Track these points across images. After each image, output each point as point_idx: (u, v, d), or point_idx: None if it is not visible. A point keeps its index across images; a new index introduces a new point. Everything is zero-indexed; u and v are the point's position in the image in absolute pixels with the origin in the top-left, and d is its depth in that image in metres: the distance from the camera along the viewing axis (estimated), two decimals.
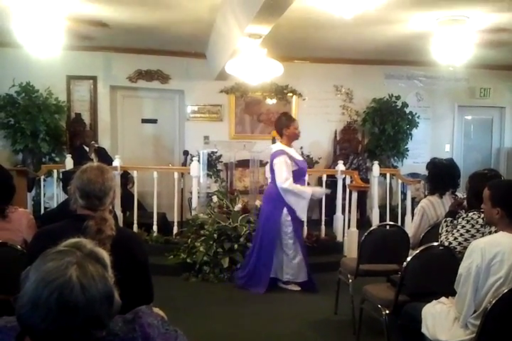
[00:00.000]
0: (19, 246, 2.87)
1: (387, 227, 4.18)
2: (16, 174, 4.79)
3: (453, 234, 3.07)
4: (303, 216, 4.93)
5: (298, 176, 4.89)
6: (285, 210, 4.88)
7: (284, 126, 4.97)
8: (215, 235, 5.34)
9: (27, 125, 6.85)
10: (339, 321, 4.15)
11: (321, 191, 5.25)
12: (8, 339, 1.20)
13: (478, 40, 5.74)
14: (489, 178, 2.98)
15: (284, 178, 4.76)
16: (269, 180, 5.11)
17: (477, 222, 3.00)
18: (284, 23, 4.88)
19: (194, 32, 6.34)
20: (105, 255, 1.21)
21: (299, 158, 5.09)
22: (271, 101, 8.23)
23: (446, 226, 3.24)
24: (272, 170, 4.91)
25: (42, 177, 6.32)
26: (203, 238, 5.40)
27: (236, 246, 5.28)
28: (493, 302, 2.23)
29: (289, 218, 4.89)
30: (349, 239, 5.89)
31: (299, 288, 5.03)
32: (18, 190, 3.52)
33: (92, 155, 6.82)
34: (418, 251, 3.03)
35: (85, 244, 1.20)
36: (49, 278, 1.09)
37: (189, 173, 6.12)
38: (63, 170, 6.01)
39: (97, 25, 5.90)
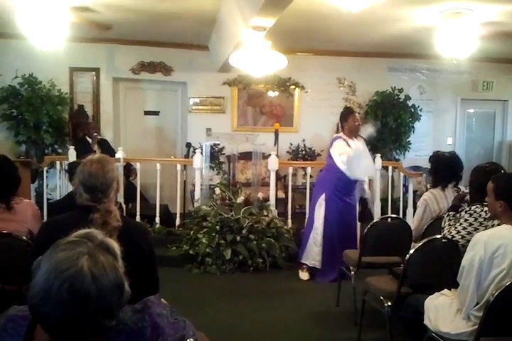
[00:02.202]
0: (24, 237, 2.89)
1: (390, 220, 4.19)
2: (19, 165, 4.79)
3: (456, 227, 3.08)
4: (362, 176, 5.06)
5: None
6: (323, 196, 5.05)
7: (342, 119, 5.10)
8: (218, 227, 5.36)
9: (30, 116, 6.84)
10: (341, 313, 4.17)
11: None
12: (20, 328, 1.21)
13: (482, 33, 5.72)
14: (491, 172, 2.99)
15: (339, 158, 4.89)
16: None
17: (480, 215, 3.01)
18: (288, 15, 4.86)
19: (197, 24, 6.32)
20: (115, 245, 1.23)
21: None
22: (273, 94, 8.22)
23: (449, 220, 3.24)
24: (329, 156, 5.07)
25: (45, 169, 6.33)
26: (205, 230, 5.42)
27: (238, 238, 5.31)
28: (496, 294, 2.25)
29: (324, 204, 5.03)
30: None
31: (307, 278, 5.13)
32: (22, 181, 3.52)
33: (95, 147, 6.82)
34: (421, 243, 3.04)
35: (96, 235, 1.22)
36: (60, 268, 1.10)
37: (192, 165, 6.14)
38: (69, 161, 6.03)
39: (100, 27, 5.91)
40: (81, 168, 2.15)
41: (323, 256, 5.09)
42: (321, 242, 5.09)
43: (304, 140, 8.16)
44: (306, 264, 5.18)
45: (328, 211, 5.06)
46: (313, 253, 5.14)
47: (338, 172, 4.97)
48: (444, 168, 3.79)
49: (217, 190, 5.91)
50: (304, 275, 5.20)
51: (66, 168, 6.03)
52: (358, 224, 5.67)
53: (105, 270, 1.13)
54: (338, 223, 5.06)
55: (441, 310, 2.59)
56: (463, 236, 3.01)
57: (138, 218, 5.96)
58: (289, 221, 6.09)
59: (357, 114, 5.20)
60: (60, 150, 7.35)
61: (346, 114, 5.14)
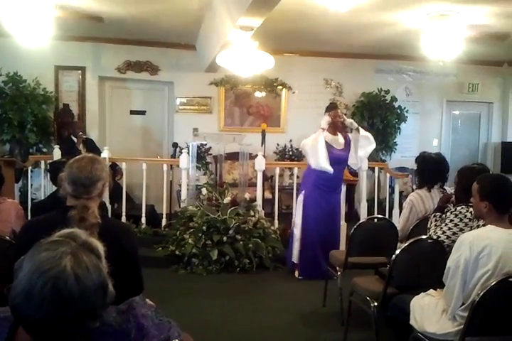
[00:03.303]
0: (7, 237, 2.85)
1: (376, 220, 4.21)
2: (3, 164, 4.75)
3: (441, 228, 3.10)
4: (324, 166, 4.94)
5: (330, 162, 4.96)
6: (303, 192, 5.15)
7: (324, 115, 5.13)
8: (204, 227, 5.34)
9: (14, 115, 6.77)
10: (328, 313, 4.17)
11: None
12: (2, 329, 1.19)
13: (467, 35, 5.76)
14: (478, 172, 3.01)
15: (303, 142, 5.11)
16: None
17: (465, 216, 3.03)
18: (276, 15, 4.86)
19: (184, 23, 6.30)
20: (99, 245, 1.21)
21: (337, 146, 5.09)
22: (260, 94, 8.22)
23: (435, 220, 3.26)
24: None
25: (29, 168, 6.27)
26: (191, 230, 5.40)
27: (225, 238, 5.29)
28: (481, 294, 2.26)
29: (303, 201, 5.10)
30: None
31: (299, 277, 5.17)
32: (6, 180, 3.49)
33: (80, 147, 6.77)
34: (407, 244, 3.05)
35: (79, 235, 1.20)
36: (43, 269, 1.08)
37: (178, 165, 6.11)
38: (50, 160, 5.97)
39: (90, 18, 5.85)
40: (71, 162, 2.16)
41: (301, 252, 5.13)
42: (298, 237, 5.15)
43: (290, 140, 8.16)
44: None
45: (306, 208, 5.11)
46: (294, 250, 5.21)
47: (316, 169, 5.02)
48: (430, 169, 3.81)
49: (204, 191, 5.90)
50: (297, 273, 5.22)
51: (48, 167, 5.98)
52: (343, 224, 5.70)
53: (88, 270, 1.11)
54: (318, 221, 5.08)
55: (426, 310, 2.59)
56: (448, 237, 3.02)
57: (124, 218, 5.93)
58: (276, 221, 6.09)
59: (339, 110, 5.22)
60: (44, 150, 7.29)
61: (328, 109, 5.19)
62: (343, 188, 5.69)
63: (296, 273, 5.22)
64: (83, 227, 1.86)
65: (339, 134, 5.16)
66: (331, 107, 5.24)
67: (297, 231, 5.18)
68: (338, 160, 5.05)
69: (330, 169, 4.91)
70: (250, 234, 5.43)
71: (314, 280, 4.82)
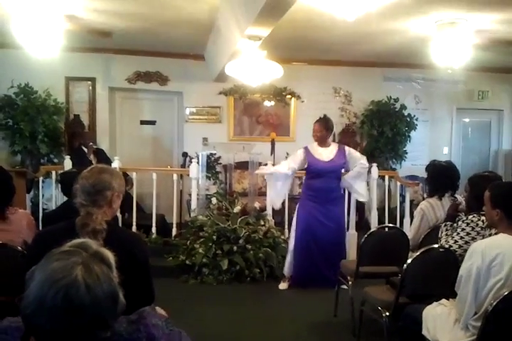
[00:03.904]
0: (19, 248, 2.87)
1: (387, 229, 4.19)
2: (14, 175, 4.76)
3: (453, 237, 3.07)
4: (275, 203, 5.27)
5: (315, 174, 5.07)
6: (298, 203, 5.25)
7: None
8: (214, 237, 5.34)
9: (26, 126, 6.85)
10: (339, 323, 4.14)
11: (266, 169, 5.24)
12: (13, 339, 1.20)
13: (476, 42, 5.75)
14: (489, 180, 2.98)
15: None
16: None
17: (477, 224, 3.00)
18: (284, 24, 4.88)
19: (193, 33, 6.35)
20: (110, 255, 1.21)
21: (323, 158, 5.11)
22: (269, 103, 8.24)
23: (446, 230, 3.23)
24: None
25: (40, 179, 6.31)
26: (202, 240, 5.40)
27: (235, 247, 5.29)
28: (494, 303, 2.23)
29: (296, 211, 5.17)
30: (348, 241, 5.88)
31: (285, 287, 5.14)
32: (17, 191, 3.50)
33: (91, 157, 6.81)
34: (418, 253, 3.03)
35: (91, 245, 1.20)
36: (55, 278, 1.09)
37: (188, 175, 6.12)
38: (61, 171, 6.01)
39: (98, 33, 5.91)
40: (83, 172, 2.18)
41: (295, 261, 5.11)
42: (291, 249, 5.15)
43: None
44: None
45: (299, 219, 5.12)
46: (286, 262, 5.20)
47: (306, 180, 5.19)
48: (440, 177, 3.80)
49: (214, 200, 5.90)
50: (282, 285, 5.18)
51: (58, 178, 6.01)
52: (354, 233, 5.67)
53: (99, 280, 1.11)
54: (313, 231, 5.06)
55: (439, 320, 2.57)
56: (460, 246, 3.00)
57: (134, 228, 5.93)
58: (286, 230, 6.07)
59: (317, 124, 5.31)
60: (55, 160, 7.34)
61: None
62: (352, 200, 5.68)
63: (283, 285, 5.16)
64: (85, 233, 1.88)
65: (332, 145, 5.20)
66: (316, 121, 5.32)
67: (291, 242, 5.18)
68: (323, 171, 5.06)
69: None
70: (260, 243, 5.41)
71: (324, 290, 4.79)
